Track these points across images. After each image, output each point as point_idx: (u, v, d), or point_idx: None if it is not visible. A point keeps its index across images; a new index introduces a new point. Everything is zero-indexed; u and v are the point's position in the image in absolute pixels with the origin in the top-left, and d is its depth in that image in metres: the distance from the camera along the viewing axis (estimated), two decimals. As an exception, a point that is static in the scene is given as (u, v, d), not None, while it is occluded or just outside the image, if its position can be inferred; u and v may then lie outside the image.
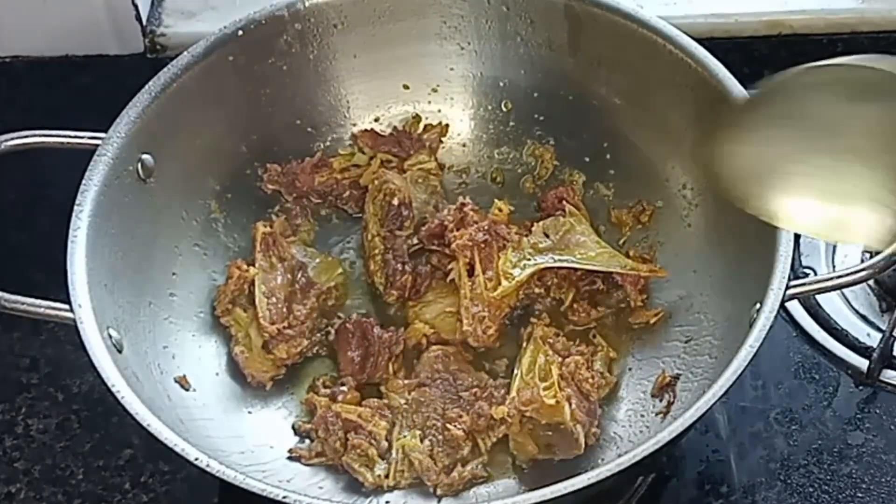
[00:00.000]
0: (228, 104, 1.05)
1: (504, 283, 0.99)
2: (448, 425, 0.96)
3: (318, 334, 1.02)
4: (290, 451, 0.96)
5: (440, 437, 0.96)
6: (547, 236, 1.02)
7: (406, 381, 0.99)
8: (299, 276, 1.03)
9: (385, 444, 0.95)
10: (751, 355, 0.85)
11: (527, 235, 1.03)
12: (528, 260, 1.01)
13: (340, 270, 1.06)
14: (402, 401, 0.97)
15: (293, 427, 0.98)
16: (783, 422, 1.02)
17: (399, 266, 1.04)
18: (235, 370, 1.00)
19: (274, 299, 1.01)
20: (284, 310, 1.01)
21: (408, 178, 1.08)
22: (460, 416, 0.96)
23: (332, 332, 1.02)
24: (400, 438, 0.95)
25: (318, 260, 1.05)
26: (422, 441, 0.95)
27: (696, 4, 1.18)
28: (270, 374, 1.00)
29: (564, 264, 1.01)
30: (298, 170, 1.08)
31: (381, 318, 1.04)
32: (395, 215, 1.05)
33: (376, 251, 1.05)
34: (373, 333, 1.00)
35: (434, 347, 1.00)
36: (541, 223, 1.03)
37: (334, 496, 0.94)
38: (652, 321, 1.01)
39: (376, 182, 1.07)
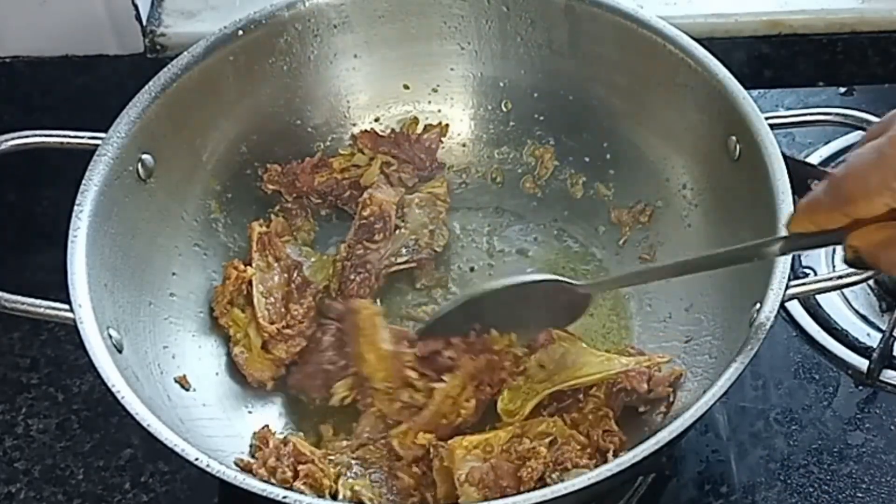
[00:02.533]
0: (228, 104, 1.05)
1: (506, 419, 0.95)
2: (398, 473, 0.93)
3: (319, 331, 1.02)
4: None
5: (390, 484, 0.93)
6: (543, 367, 0.97)
7: (347, 443, 0.95)
8: (295, 275, 1.03)
9: (333, 486, 0.92)
10: (751, 355, 0.85)
11: (522, 374, 0.97)
12: (528, 395, 0.96)
13: (334, 270, 1.05)
14: (346, 458, 0.94)
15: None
16: (783, 422, 1.02)
17: (352, 276, 1.03)
18: (235, 370, 1.00)
19: (272, 299, 1.01)
20: (282, 309, 1.01)
21: (414, 200, 1.08)
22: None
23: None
24: (348, 483, 0.92)
25: (313, 259, 1.05)
26: (371, 485, 0.93)
27: (696, 4, 1.18)
28: (270, 374, 1.00)
29: (566, 386, 0.96)
30: (298, 170, 1.08)
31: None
32: (367, 227, 1.05)
33: (338, 257, 1.05)
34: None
35: (373, 409, 0.97)
36: (534, 357, 0.97)
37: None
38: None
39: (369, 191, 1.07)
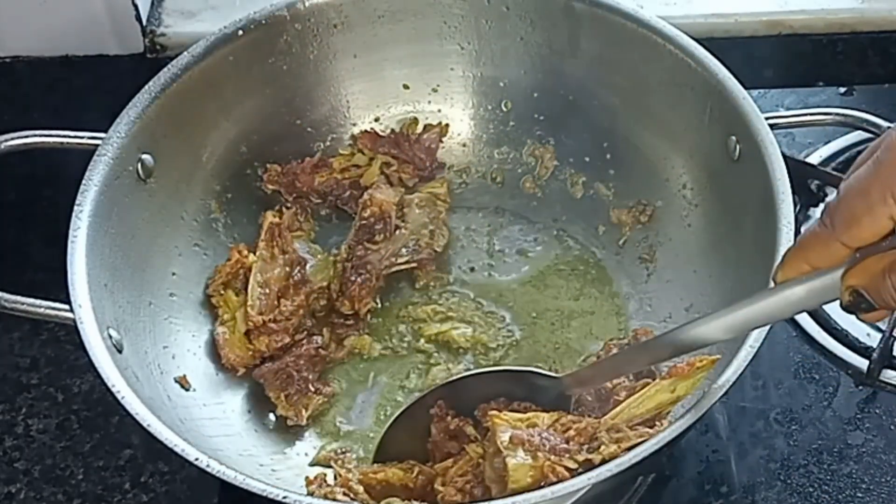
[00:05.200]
0: (228, 104, 1.05)
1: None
2: None
3: (303, 333, 1.02)
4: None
5: None
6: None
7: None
8: (297, 271, 1.03)
9: None
10: (751, 355, 0.85)
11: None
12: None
13: (335, 271, 1.05)
14: None
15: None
16: (783, 422, 1.02)
17: (353, 277, 1.03)
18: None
19: (267, 290, 1.01)
20: (274, 302, 1.01)
21: (414, 200, 1.08)
22: None
23: None
24: None
25: (318, 258, 1.05)
26: None
27: (696, 4, 1.18)
28: (244, 362, 1.00)
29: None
30: (298, 170, 1.08)
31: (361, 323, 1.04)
32: (367, 228, 1.05)
33: (338, 258, 1.05)
34: None
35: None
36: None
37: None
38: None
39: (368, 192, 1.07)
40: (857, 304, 0.71)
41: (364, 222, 1.05)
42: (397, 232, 1.06)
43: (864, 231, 0.70)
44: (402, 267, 1.06)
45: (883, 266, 0.70)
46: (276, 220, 1.04)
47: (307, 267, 1.04)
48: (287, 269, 1.03)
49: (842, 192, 0.71)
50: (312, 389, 0.99)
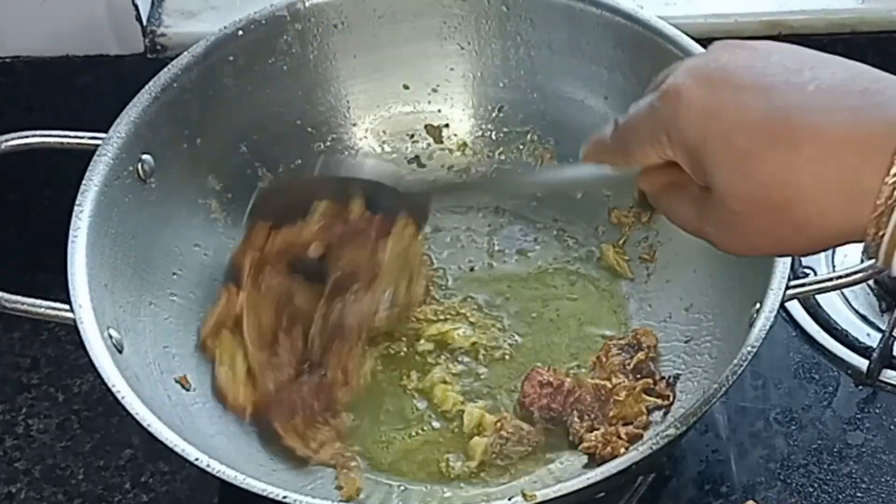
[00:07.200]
0: (228, 104, 1.05)
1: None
2: None
3: (305, 365, 0.99)
4: None
5: None
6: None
7: None
8: (286, 303, 0.99)
9: None
10: (751, 355, 0.85)
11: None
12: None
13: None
14: None
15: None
16: (783, 422, 1.02)
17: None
18: (235, 370, 1.01)
19: (261, 326, 0.98)
20: (270, 337, 0.98)
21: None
22: None
23: None
24: None
25: (303, 287, 1.01)
26: None
27: (695, 4, 1.18)
28: (250, 402, 0.97)
29: None
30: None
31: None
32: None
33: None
34: None
35: None
36: None
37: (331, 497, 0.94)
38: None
39: None
40: (644, 204, 0.80)
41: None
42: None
43: (637, 161, 0.76)
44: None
45: (663, 182, 0.76)
46: (257, 254, 1.00)
47: (296, 299, 1.00)
48: (277, 302, 0.99)
49: (625, 119, 0.76)
50: (320, 420, 0.97)
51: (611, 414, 0.95)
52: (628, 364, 0.98)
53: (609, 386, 0.95)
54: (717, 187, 0.70)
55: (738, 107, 0.69)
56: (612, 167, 0.79)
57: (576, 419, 0.95)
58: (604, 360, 0.99)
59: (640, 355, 0.98)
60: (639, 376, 0.97)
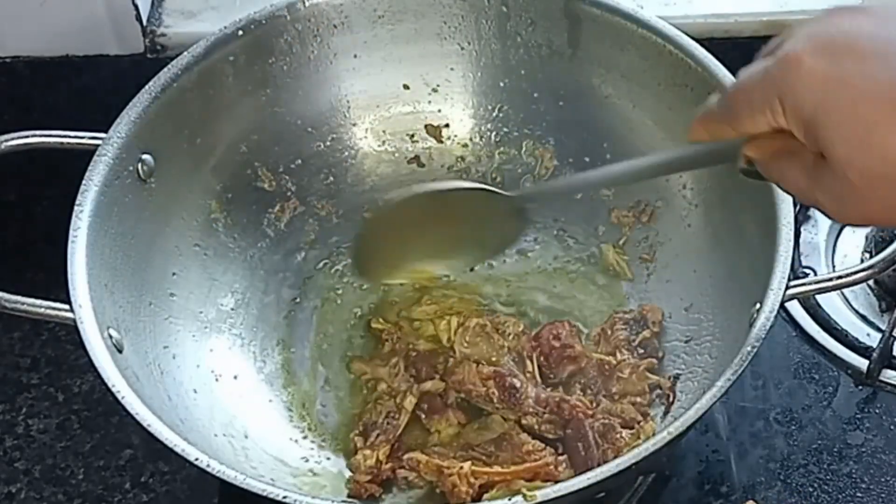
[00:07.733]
0: (228, 104, 1.05)
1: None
2: None
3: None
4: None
5: None
6: None
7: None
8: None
9: None
10: (751, 355, 0.85)
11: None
12: None
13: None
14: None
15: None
16: (783, 422, 1.02)
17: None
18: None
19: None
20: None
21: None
22: None
23: None
24: None
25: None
26: None
27: (695, 4, 1.18)
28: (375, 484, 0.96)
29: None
30: None
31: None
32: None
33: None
34: None
35: None
36: None
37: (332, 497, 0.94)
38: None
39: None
40: (751, 172, 0.77)
41: None
42: None
43: (747, 127, 0.74)
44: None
45: (774, 148, 0.74)
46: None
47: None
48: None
49: (735, 84, 0.75)
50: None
51: (613, 390, 0.96)
52: (633, 340, 0.98)
53: (613, 362, 0.96)
54: (835, 157, 0.68)
55: (863, 76, 0.67)
56: (717, 139, 0.77)
57: (578, 391, 0.96)
58: (608, 332, 1.00)
59: (646, 333, 0.99)
60: (643, 353, 0.98)
